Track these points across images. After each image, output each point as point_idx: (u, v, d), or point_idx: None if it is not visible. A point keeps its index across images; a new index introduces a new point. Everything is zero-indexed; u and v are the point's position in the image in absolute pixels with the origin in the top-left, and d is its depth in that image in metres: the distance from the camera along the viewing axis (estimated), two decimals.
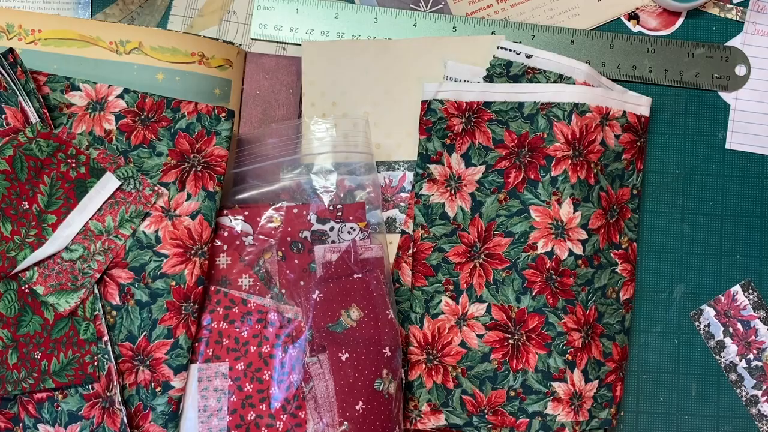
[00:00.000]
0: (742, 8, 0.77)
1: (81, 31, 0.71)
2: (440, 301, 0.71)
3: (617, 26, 0.77)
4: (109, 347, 0.65)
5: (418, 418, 0.70)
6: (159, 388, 0.66)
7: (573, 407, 0.70)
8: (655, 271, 0.75)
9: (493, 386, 0.70)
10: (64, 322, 0.65)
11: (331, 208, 0.69)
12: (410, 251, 0.72)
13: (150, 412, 0.66)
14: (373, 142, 0.73)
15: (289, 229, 0.69)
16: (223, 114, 0.68)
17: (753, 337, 0.75)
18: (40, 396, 0.65)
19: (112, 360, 0.65)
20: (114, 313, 0.66)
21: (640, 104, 0.73)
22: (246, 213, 0.69)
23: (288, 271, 0.68)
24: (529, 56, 0.74)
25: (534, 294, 0.70)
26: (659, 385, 0.74)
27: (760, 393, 0.74)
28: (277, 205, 0.69)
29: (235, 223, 0.69)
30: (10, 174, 0.64)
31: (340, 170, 0.70)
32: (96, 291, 0.65)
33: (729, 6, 0.77)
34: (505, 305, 0.71)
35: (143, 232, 0.66)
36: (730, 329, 0.75)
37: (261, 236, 0.69)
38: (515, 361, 0.70)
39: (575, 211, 0.71)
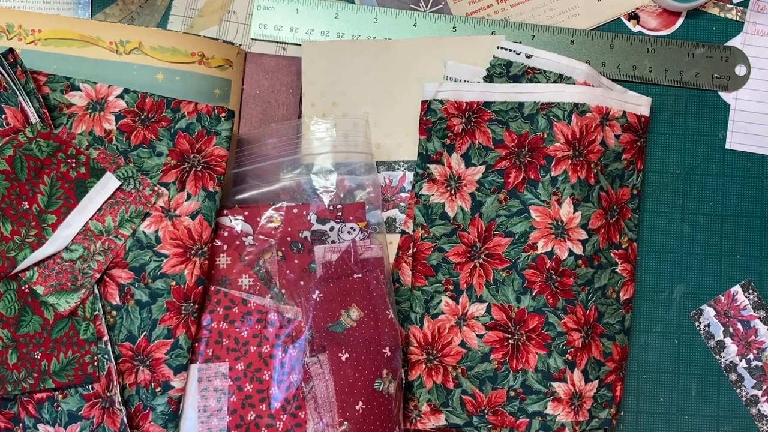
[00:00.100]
0: (742, 8, 0.77)
1: (81, 31, 0.71)
2: (440, 301, 0.71)
3: (617, 26, 0.77)
4: (109, 347, 0.65)
5: (418, 418, 0.70)
6: (159, 388, 0.66)
7: (573, 407, 0.69)
8: (655, 271, 0.75)
9: (493, 386, 0.70)
10: (64, 322, 0.65)
11: (331, 208, 0.69)
12: (410, 251, 0.72)
13: (150, 412, 0.66)
14: (373, 142, 0.73)
15: (289, 229, 0.68)
16: (223, 114, 0.68)
17: (753, 337, 0.74)
18: (40, 396, 0.65)
19: (112, 360, 0.65)
20: (114, 313, 0.66)
21: (640, 104, 0.73)
22: (246, 213, 0.69)
23: (288, 271, 0.68)
24: (529, 56, 0.73)
25: (534, 294, 0.70)
26: (659, 385, 0.74)
27: (760, 393, 0.74)
28: (277, 205, 0.69)
29: (235, 223, 0.69)
30: (10, 174, 0.64)
31: (340, 170, 0.70)
32: (96, 291, 0.65)
33: (729, 6, 0.77)
34: (505, 305, 0.71)
35: (143, 232, 0.66)
36: (730, 329, 0.75)
37: (261, 236, 0.69)
38: (515, 361, 0.70)
39: (575, 211, 0.70)
